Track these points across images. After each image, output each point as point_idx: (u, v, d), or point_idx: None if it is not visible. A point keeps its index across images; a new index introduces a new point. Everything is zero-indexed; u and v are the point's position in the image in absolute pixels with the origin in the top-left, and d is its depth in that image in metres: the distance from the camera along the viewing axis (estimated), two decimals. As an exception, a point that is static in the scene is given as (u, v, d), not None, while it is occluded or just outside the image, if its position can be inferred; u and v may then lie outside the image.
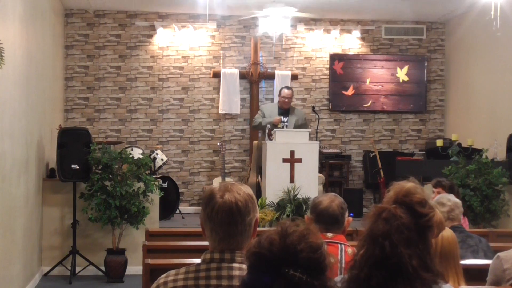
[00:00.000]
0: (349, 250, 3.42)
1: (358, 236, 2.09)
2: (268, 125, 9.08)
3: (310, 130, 9.45)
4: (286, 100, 9.42)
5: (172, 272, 2.36)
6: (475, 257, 4.29)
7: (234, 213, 2.30)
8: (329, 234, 3.41)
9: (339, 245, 3.40)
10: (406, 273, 1.89)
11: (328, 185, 11.08)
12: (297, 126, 9.30)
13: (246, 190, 2.38)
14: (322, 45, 11.60)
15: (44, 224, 7.88)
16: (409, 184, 2.04)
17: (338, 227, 3.47)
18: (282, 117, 9.31)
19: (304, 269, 1.65)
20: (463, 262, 3.60)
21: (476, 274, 3.71)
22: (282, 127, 9.22)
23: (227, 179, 10.46)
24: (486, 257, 4.20)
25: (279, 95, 9.58)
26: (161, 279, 2.35)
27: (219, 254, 2.31)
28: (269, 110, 9.50)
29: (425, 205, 2.00)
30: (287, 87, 9.79)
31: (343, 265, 3.36)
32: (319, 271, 1.68)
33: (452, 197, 4.63)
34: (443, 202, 4.57)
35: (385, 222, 1.94)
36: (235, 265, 2.28)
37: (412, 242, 1.93)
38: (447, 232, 3.45)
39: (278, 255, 1.67)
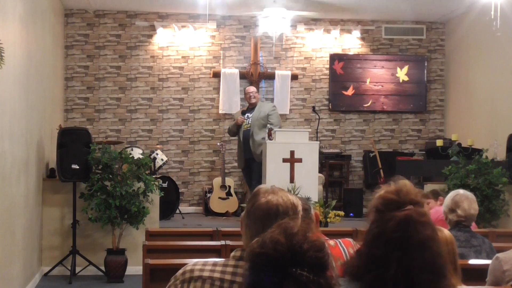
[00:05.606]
0: (331, 242, 3.50)
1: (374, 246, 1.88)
2: (231, 126, 9.83)
3: (278, 125, 9.54)
4: (249, 95, 9.84)
5: (200, 261, 2.37)
6: (477, 257, 4.29)
7: (272, 215, 2.31)
8: None
9: None
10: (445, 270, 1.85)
11: (328, 185, 11.08)
12: (260, 118, 9.58)
13: (293, 198, 2.39)
14: (322, 45, 11.60)
15: (44, 224, 7.88)
16: (406, 183, 2.01)
17: None
18: (245, 115, 9.72)
19: (309, 268, 1.66)
20: (464, 261, 3.60)
21: (476, 274, 3.70)
22: (247, 123, 9.63)
23: (227, 179, 10.47)
24: (489, 258, 4.19)
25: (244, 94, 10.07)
26: (188, 266, 2.36)
27: None
28: (238, 114, 9.96)
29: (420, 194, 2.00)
30: (249, 85, 10.42)
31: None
32: (323, 269, 1.68)
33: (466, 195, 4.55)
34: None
35: (428, 226, 1.84)
36: None
37: None
38: (446, 232, 3.45)
39: (285, 255, 1.67)
